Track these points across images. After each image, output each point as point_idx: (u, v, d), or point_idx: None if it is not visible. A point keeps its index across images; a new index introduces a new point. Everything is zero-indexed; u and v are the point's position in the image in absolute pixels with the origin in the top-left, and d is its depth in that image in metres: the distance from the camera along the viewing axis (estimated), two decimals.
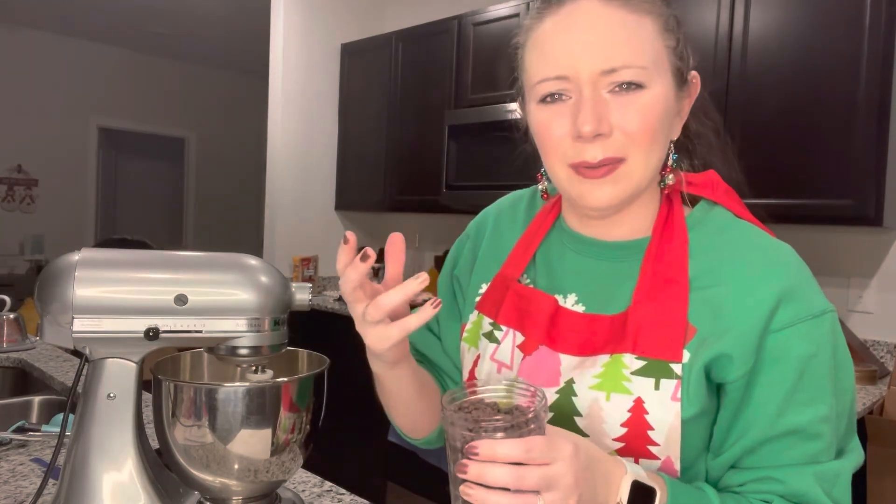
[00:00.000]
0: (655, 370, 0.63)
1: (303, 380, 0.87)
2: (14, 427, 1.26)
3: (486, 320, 0.76)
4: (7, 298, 2.07)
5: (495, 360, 0.73)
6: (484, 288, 0.79)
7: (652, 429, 0.63)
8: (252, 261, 0.87)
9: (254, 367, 0.89)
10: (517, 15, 2.99)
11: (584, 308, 0.70)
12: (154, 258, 0.85)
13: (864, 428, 1.80)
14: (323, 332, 3.40)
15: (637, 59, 0.62)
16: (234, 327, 0.84)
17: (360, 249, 0.66)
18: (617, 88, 0.62)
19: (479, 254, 0.83)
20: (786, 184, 2.19)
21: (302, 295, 0.90)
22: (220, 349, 0.86)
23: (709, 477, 0.67)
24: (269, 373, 0.90)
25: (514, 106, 0.80)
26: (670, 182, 0.68)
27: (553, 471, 0.53)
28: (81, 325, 0.80)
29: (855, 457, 0.66)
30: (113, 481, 0.82)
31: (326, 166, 4.00)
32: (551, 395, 0.67)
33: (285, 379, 0.85)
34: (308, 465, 1.13)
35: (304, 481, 1.08)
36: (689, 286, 0.64)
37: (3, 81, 5.87)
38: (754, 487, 0.63)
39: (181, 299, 0.81)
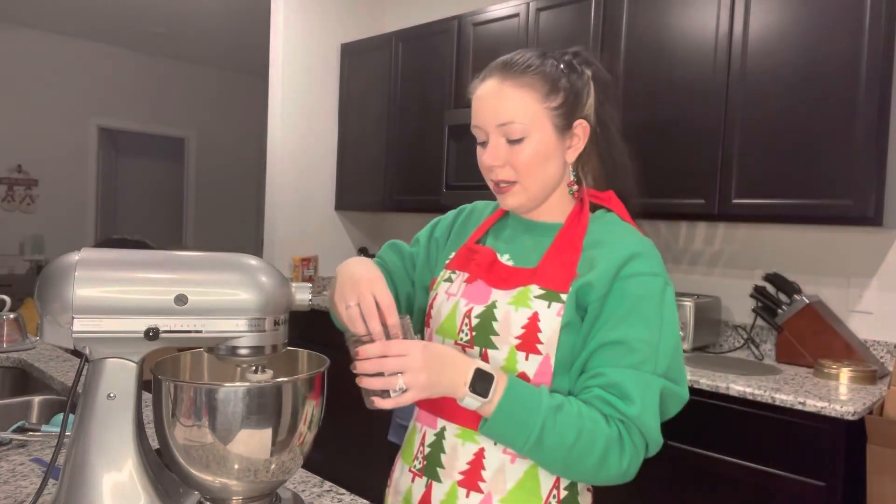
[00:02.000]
0: (550, 297, 0.95)
1: (303, 380, 0.87)
2: (14, 427, 1.26)
3: (446, 273, 1.09)
4: (7, 298, 2.07)
5: (447, 293, 1.05)
6: (452, 255, 1.12)
7: (541, 331, 0.94)
8: (252, 261, 0.87)
9: (254, 367, 0.89)
10: (517, 15, 2.99)
11: (513, 263, 1.03)
12: (154, 258, 0.85)
13: (863, 428, 1.80)
14: (323, 332, 3.39)
15: (516, 118, 0.96)
16: (234, 327, 0.84)
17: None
18: (509, 141, 0.97)
19: (452, 232, 1.16)
20: (786, 184, 2.19)
21: (302, 295, 0.90)
22: (220, 349, 0.86)
23: (572, 387, 0.95)
24: (269, 373, 0.90)
25: None
26: (576, 191, 1.04)
27: (406, 359, 0.86)
28: (81, 325, 0.80)
29: (675, 388, 0.93)
30: (113, 481, 0.82)
31: (326, 166, 4.00)
32: (480, 308, 0.99)
33: (285, 379, 0.85)
34: (308, 465, 1.13)
35: (304, 481, 1.08)
36: (581, 250, 0.98)
37: (3, 81, 5.87)
38: (589, 382, 0.91)
39: (181, 299, 0.81)
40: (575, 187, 1.03)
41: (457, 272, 1.06)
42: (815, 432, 1.83)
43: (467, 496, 0.96)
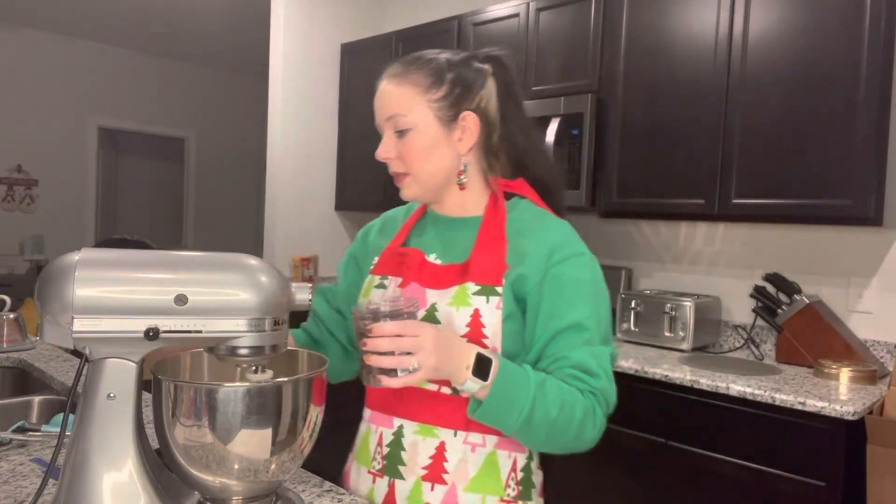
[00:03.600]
0: (487, 292, 0.99)
1: (303, 380, 0.87)
2: (14, 427, 1.26)
3: (376, 279, 1.11)
4: (7, 298, 2.07)
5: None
6: (375, 260, 1.14)
7: (484, 327, 0.98)
8: (252, 261, 0.87)
9: (254, 367, 0.89)
10: (517, 15, 2.99)
11: (441, 261, 1.06)
12: (154, 258, 0.85)
13: (864, 428, 1.80)
14: None
15: (399, 110, 1.02)
16: (235, 327, 0.84)
17: None
18: (397, 134, 1.03)
19: (370, 243, 1.20)
20: (786, 184, 2.19)
21: (302, 295, 0.90)
22: (220, 349, 0.86)
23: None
24: (269, 373, 0.90)
25: None
26: (464, 181, 1.07)
27: (420, 339, 0.87)
28: (81, 325, 0.80)
29: (612, 348, 1.01)
30: (113, 481, 0.82)
31: (326, 166, 4.00)
32: (421, 314, 1.01)
33: (285, 379, 0.85)
34: (308, 465, 1.13)
35: (304, 481, 1.08)
36: (506, 241, 1.02)
37: (3, 81, 5.87)
38: (553, 367, 0.97)
39: (181, 299, 0.81)
40: (462, 177, 1.06)
41: (388, 277, 1.08)
42: (815, 432, 1.83)
43: (432, 489, 1.00)
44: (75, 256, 0.81)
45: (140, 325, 0.81)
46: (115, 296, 0.80)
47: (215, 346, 0.86)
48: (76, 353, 0.90)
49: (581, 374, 0.96)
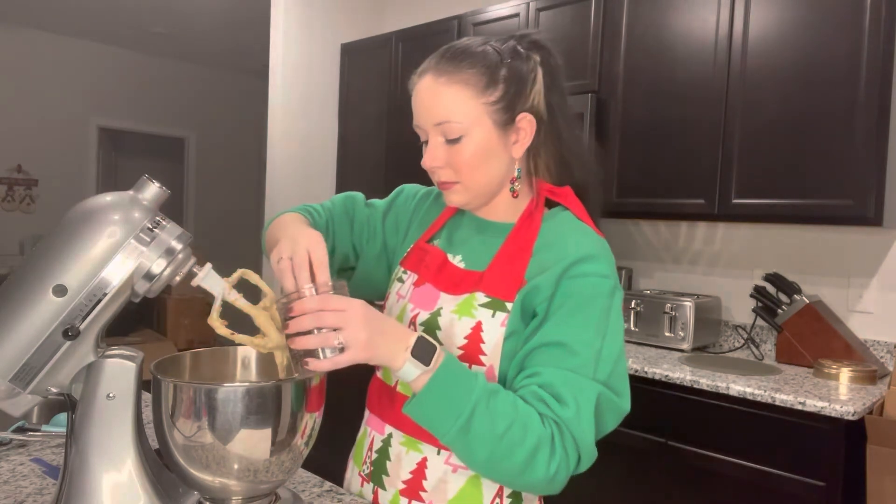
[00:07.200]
0: (495, 306, 0.91)
1: (303, 380, 0.87)
2: (14, 427, 1.26)
3: (400, 270, 1.06)
4: None
5: (398, 294, 1.03)
6: (410, 248, 1.08)
7: (484, 342, 0.90)
8: (85, 207, 0.88)
9: (193, 268, 0.85)
10: (517, 15, 2.99)
11: (465, 265, 0.99)
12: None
13: (863, 428, 1.80)
14: None
15: (453, 116, 0.90)
16: (126, 270, 0.80)
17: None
18: (448, 141, 0.91)
19: (415, 217, 1.12)
20: (786, 184, 2.19)
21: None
22: (142, 290, 0.82)
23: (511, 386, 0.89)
24: (209, 266, 0.86)
25: None
26: (517, 188, 0.97)
27: (346, 314, 0.78)
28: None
29: (614, 398, 0.87)
30: (113, 481, 0.82)
31: (326, 166, 4.00)
32: (426, 315, 0.96)
33: (285, 379, 0.85)
34: (308, 465, 1.13)
35: (304, 481, 1.08)
36: (531, 254, 0.93)
37: (3, 81, 5.86)
38: (525, 382, 0.86)
39: (60, 290, 0.79)
40: (516, 184, 0.96)
41: (408, 272, 1.03)
42: (815, 432, 1.83)
43: None
44: None
45: (59, 336, 0.79)
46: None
47: (143, 292, 0.82)
48: None
49: (546, 397, 0.83)
